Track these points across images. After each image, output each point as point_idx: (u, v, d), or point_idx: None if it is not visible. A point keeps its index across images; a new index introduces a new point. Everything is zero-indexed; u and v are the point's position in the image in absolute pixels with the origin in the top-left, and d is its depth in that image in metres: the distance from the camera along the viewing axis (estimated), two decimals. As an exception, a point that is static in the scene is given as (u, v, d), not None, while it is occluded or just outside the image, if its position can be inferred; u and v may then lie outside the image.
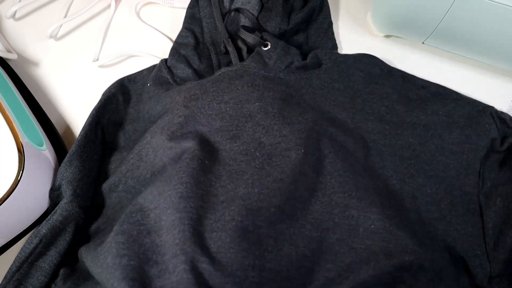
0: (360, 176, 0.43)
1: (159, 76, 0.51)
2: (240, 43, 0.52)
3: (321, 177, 0.42)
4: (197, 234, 0.35)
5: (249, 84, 0.45)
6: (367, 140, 0.47)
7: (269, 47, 0.48)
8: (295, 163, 0.40)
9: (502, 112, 0.50)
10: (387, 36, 0.58)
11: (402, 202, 0.45)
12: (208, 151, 0.41)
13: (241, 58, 0.51)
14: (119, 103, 0.51)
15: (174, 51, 0.52)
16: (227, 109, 0.44)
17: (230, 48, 0.49)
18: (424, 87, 0.51)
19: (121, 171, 0.45)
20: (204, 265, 0.34)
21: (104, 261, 0.36)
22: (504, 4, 0.42)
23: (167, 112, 0.45)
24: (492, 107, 0.50)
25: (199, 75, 0.51)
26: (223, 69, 0.48)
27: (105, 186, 0.46)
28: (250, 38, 0.48)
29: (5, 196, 0.39)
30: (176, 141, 0.42)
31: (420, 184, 0.46)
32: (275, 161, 0.41)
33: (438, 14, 0.46)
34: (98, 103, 0.49)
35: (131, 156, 0.45)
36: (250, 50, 0.51)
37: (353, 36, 0.58)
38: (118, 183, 0.45)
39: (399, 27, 0.53)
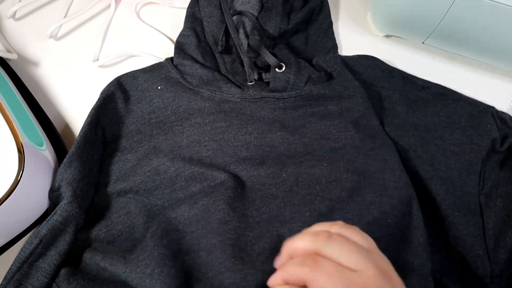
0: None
1: (169, 77, 0.51)
2: (241, 38, 0.52)
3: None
4: (237, 249, 0.39)
5: (270, 116, 0.47)
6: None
7: (284, 68, 0.49)
8: (319, 178, 0.43)
9: (502, 112, 0.50)
10: (387, 36, 0.58)
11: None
12: (239, 181, 0.44)
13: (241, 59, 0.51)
14: (119, 102, 0.50)
15: (178, 50, 0.51)
16: (252, 139, 0.46)
17: (246, 60, 0.49)
18: (425, 88, 0.51)
19: (134, 181, 0.46)
20: (246, 270, 0.37)
21: (146, 268, 0.37)
22: (504, 4, 0.42)
23: (193, 142, 0.46)
24: (493, 107, 0.50)
25: (207, 68, 0.50)
26: (244, 93, 0.48)
27: (113, 190, 0.46)
28: (271, 60, 0.49)
29: (5, 196, 0.39)
30: (208, 168, 0.44)
31: (421, 185, 0.47)
32: (301, 181, 0.43)
33: (438, 14, 0.46)
34: (96, 102, 0.49)
35: (148, 169, 0.46)
36: (252, 50, 0.52)
37: (353, 36, 0.58)
38: (129, 191, 0.46)
39: (399, 27, 0.53)
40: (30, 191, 0.42)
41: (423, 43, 0.54)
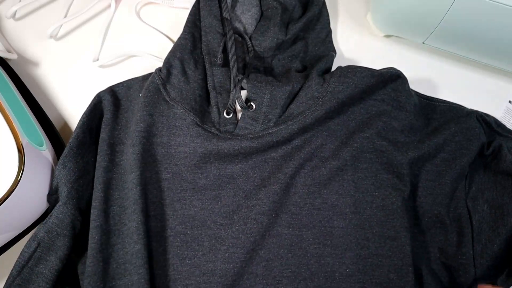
0: (340, 217, 0.45)
1: (151, 87, 0.49)
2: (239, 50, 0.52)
3: (297, 231, 0.45)
4: None
5: (235, 147, 0.47)
6: (362, 161, 0.47)
7: (254, 108, 0.48)
8: (265, 229, 0.44)
9: (486, 115, 0.50)
10: (387, 36, 0.58)
11: (401, 221, 0.46)
12: (189, 216, 0.45)
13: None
14: (110, 108, 0.49)
15: (171, 53, 0.50)
16: (212, 168, 0.46)
17: (237, 90, 0.48)
18: (415, 103, 0.51)
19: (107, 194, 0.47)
20: None
21: None
22: (504, 4, 0.42)
23: (155, 161, 0.46)
24: (476, 111, 0.50)
25: (191, 83, 0.49)
26: (214, 129, 0.48)
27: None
28: (240, 102, 0.48)
29: (5, 196, 0.39)
30: (161, 200, 0.45)
31: (405, 199, 0.47)
32: (249, 228, 0.44)
33: (438, 14, 0.46)
34: (88, 107, 0.49)
35: (123, 185, 0.46)
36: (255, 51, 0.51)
37: (353, 36, 0.58)
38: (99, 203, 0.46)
39: (399, 27, 0.53)
40: (30, 191, 0.42)
41: (423, 43, 0.54)
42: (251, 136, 0.47)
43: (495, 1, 0.42)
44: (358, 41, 0.57)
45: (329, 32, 0.54)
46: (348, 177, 0.46)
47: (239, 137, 0.47)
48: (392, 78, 0.49)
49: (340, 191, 0.46)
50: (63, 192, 0.44)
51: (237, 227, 0.44)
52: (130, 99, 0.51)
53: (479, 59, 0.53)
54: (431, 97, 0.52)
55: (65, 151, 0.46)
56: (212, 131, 0.48)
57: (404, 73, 0.50)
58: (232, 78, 0.48)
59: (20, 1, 0.58)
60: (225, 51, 0.50)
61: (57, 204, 0.44)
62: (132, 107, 0.50)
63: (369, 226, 0.45)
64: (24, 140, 0.42)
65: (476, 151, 0.48)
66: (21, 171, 0.41)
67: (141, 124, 0.47)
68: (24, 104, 0.49)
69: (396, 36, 0.57)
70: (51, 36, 0.57)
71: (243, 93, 0.49)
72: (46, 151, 0.46)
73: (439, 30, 0.49)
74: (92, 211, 0.45)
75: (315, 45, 0.53)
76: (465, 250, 0.45)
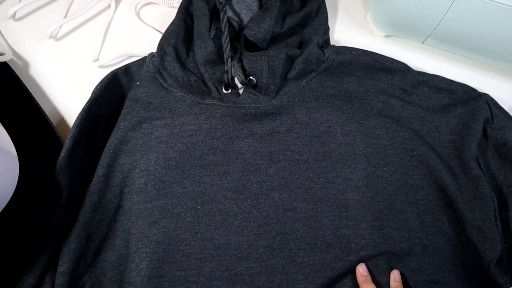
0: (354, 190, 0.46)
1: (146, 71, 0.51)
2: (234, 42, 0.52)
3: (312, 205, 0.45)
4: (200, 284, 0.43)
5: (240, 121, 0.48)
6: (371, 137, 0.48)
7: (254, 82, 0.49)
8: (278, 204, 0.45)
9: (496, 103, 0.51)
10: (387, 36, 0.58)
11: (406, 197, 0.47)
12: (199, 192, 0.45)
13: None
14: (114, 92, 0.51)
15: (165, 40, 0.51)
16: (219, 144, 0.47)
17: (235, 68, 0.48)
18: (420, 82, 0.51)
19: (97, 172, 0.47)
20: None
21: None
22: (504, 4, 0.42)
23: (161, 143, 0.47)
24: (487, 95, 0.51)
25: (185, 70, 0.50)
26: (216, 101, 0.49)
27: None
28: (239, 77, 0.48)
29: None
30: (171, 178, 0.46)
31: (424, 174, 0.48)
32: (260, 203, 0.46)
33: (437, 14, 0.46)
34: (87, 103, 0.49)
35: (113, 164, 0.48)
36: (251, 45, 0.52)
37: (353, 36, 0.58)
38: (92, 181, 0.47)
39: (399, 27, 0.53)
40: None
41: (423, 43, 0.54)
42: (254, 106, 0.48)
43: (494, 1, 0.42)
44: (358, 41, 0.57)
45: (326, 29, 0.54)
46: (359, 151, 0.47)
47: (242, 108, 0.48)
48: (392, 68, 0.52)
49: (353, 164, 0.47)
50: (63, 195, 0.44)
51: (248, 202, 0.45)
52: (123, 82, 0.52)
53: (479, 59, 0.53)
54: (443, 79, 0.52)
55: (62, 153, 0.46)
56: (215, 102, 0.49)
57: (404, 73, 0.51)
58: (225, 58, 0.48)
59: (20, 1, 0.58)
60: (218, 37, 0.50)
61: (59, 210, 0.44)
62: (124, 91, 0.51)
63: (381, 199, 0.46)
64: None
65: (481, 131, 0.48)
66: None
67: (141, 111, 0.49)
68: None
69: (395, 36, 0.57)
70: (51, 36, 0.57)
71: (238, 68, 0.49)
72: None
73: (438, 30, 0.49)
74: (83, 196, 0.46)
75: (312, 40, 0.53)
76: (490, 225, 0.45)
